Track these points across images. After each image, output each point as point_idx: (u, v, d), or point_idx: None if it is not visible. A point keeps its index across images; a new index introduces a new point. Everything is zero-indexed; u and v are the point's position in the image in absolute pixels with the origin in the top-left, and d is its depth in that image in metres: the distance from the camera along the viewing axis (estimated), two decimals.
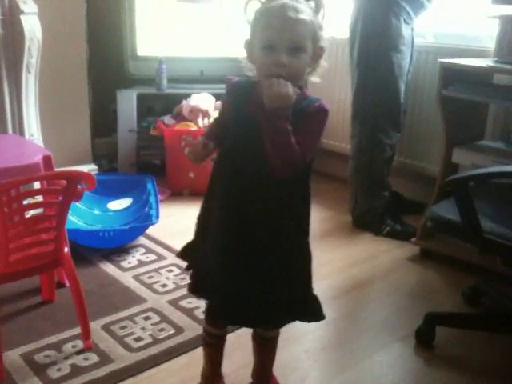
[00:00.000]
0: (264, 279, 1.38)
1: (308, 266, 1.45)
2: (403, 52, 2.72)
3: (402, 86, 2.77)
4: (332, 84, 3.48)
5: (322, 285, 2.28)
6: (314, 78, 1.39)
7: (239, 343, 1.79)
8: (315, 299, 1.48)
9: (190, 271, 1.51)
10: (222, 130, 1.42)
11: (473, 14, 2.94)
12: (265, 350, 1.62)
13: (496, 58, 2.47)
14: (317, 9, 1.32)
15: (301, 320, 1.48)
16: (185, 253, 1.53)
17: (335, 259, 2.58)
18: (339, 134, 3.45)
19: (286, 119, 1.25)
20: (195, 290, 1.49)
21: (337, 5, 3.49)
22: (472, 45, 2.83)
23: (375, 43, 2.70)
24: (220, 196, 1.40)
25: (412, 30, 2.76)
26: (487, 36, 2.76)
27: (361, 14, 2.74)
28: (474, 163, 2.44)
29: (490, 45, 2.63)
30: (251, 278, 1.39)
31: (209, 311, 1.53)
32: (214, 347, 1.60)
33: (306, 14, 1.27)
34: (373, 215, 2.88)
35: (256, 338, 1.61)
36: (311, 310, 1.47)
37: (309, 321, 1.49)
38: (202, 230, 1.46)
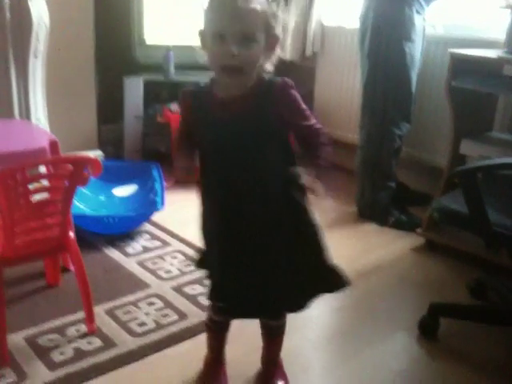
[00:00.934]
0: (273, 266, 1.40)
1: (318, 241, 1.45)
2: (415, 42, 2.69)
3: (414, 77, 2.75)
4: (340, 74, 3.46)
5: None
6: (268, 66, 1.37)
7: (243, 330, 1.79)
8: (332, 268, 1.48)
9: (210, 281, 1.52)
10: (193, 139, 1.41)
11: (483, 4, 2.91)
12: (272, 338, 1.63)
13: (506, 49, 2.44)
14: None
15: (324, 292, 1.49)
16: (201, 263, 1.56)
17: (339, 249, 2.53)
18: (346, 124, 3.43)
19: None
20: (218, 297, 1.50)
21: None
22: (482, 35, 2.80)
23: (387, 33, 2.68)
24: (215, 201, 1.40)
25: (424, 20, 2.74)
26: (498, 27, 2.73)
27: (372, 4, 2.72)
28: (481, 155, 2.42)
29: (501, 35, 2.60)
30: (260, 270, 1.40)
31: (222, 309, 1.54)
32: (216, 333, 1.61)
33: (257, 2, 1.25)
34: (379, 206, 2.87)
35: (263, 327, 1.61)
36: (331, 280, 1.48)
37: (332, 291, 1.49)
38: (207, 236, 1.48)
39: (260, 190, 1.36)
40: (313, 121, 1.37)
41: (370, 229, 2.83)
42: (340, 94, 3.49)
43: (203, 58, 1.35)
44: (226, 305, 1.49)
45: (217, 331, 1.61)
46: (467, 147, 2.50)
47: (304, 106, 1.36)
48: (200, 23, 1.33)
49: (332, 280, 1.47)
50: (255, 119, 1.32)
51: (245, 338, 1.70)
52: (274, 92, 1.33)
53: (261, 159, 1.34)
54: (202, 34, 1.34)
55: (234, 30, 1.24)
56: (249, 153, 1.33)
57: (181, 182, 1.42)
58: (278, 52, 1.36)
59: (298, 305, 1.47)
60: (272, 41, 1.32)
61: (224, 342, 1.63)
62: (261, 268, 1.40)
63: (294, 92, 1.34)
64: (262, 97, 1.32)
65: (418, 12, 2.67)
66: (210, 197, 1.41)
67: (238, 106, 1.33)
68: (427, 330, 1.94)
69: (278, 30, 1.31)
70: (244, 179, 1.35)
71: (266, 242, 1.39)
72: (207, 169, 1.40)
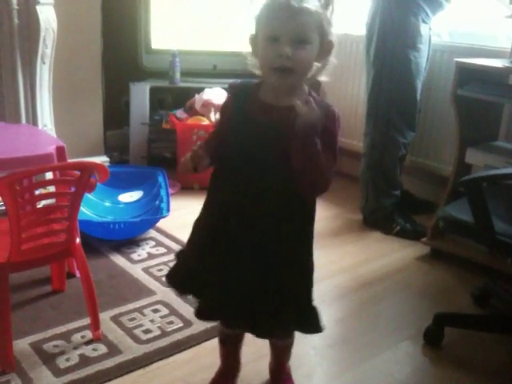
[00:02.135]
0: (267, 289, 1.36)
1: (310, 280, 1.43)
2: (421, 50, 2.71)
3: (419, 85, 2.76)
4: (345, 81, 3.47)
5: (330, 283, 2.27)
6: (323, 77, 1.34)
7: (248, 338, 1.79)
8: (315, 311, 1.45)
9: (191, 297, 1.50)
10: (220, 140, 1.37)
11: (490, 14, 2.92)
12: (279, 352, 1.63)
13: None
14: (326, 4, 1.27)
15: (300, 331, 1.47)
16: (174, 278, 1.51)
17: (344, 257, 2.57)
18: (351, 131, 3.43)
19: (316, 141, 1.24)
20: (205, 315, 1.48)
21: (353, 2, 3.48)
22: (488, 45, 2.81)
23: (393, 41, 2.69)
24: (223, 205, 1.36)
25: (430, 29, 2.75)
26: (504, 36, 2.74)
27: (379, 12, 2.73)
28: (486, 164, 2.43)
29: (507, 45, 2.61)
30: (254, 288, 1.36)
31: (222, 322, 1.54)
32: (228, 346, 1.61)
33: (311, 3, 1.24)
34: (383, 214, 2.87)
35: (271, 343, 1.62)
36: (309, 322, 1.45)
37: (308, 332, 1.47)
38: (202, 248, 1.42)
39: (274, 201, 1.33)
40: (333, 165, 1.31)
41: (375, 237, 2.82)
42: (345, 101, 3.50)
43: (254, 65, 1.33)
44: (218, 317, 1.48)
45: (229, 343, 1.60)
46: (472, 156, 2.51)
47: (337, 148, 1.32)
48: (249, 29, 1.32)
49: (311, 321, 1.44)
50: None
51: (252, 344, 1.69)
52: (327, 120, 1.29)
53: (284, 169, 1.29)
54: (253, 40, 1.32)
55: (288, 29, 1.22)
56: (275, 160, 1.29)
57: (180, 169, 1.33)
58: (333, 61, 1.32)
59: (280, 330, 1.45)
60: (327, 47, 1.29)
61: (237, 354, 1.62)
62: (256, 280, 1.36)
63: (338, 126, 1.32)
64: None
65: (423, 21, 2.68)
66: (217, 201, 1.38)
67: (281, 114, 1.28)
68: (432, 339, 1.94)
69: (333, 37, 1.29)
70: (262, 186, 1.31)
71: (268, 254, 1.35)
72: (225, 171, 1.35)
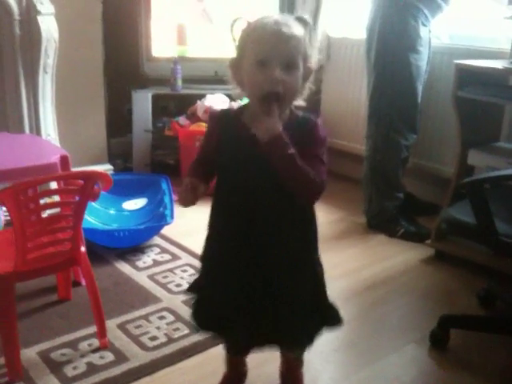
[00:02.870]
0: (278, 300, 1.38)
1: (321, 280, 1.45)
2: (421, 53, 2.72)
3: (420, 87, 2.77)
4: (346, 84, 3.48)
5: (334, 286, 2.24)
6: (299, 100, 1.34)
7: None
8: (332, 306, 1.48)
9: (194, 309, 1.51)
10: (211, 164, 1.38)
11: (489, 15, 2.92)
12: (290, 359, 1.64)
13: None
14: (309, 30, 1.29)
15: (322, 329, 1.48)
16: (192, 289, 1.54)
17: (348, 260, 2.57)
18: (353, 134, 3.44)
19: (284, 147, 1.22)
20: (204, 325, 1.50)
21: (352, 6, 3.51)
22: (488, 46, 2.82)
23: (393, 44, 2.70)
24: (226, 226, 1.38)
25: (429, 31, 2.76)
26: (504, 37, 2.74)
27: (379, 15, 2.74)
28: (489, 165, 2.43)
29: (507, 46, 2.61)
30: (265, 302, 1.37)
31: (228, 346, 1.56)
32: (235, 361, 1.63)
33: (298, 30, 1.25)
34: (387, 216, 2.87)
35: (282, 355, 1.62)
36: (330, 318, 1.48)
37: (331, 328, 1.49)
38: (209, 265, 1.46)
39: (275, 218, 1.34)
40: (321, 169, 1.30)
41: (379, 240, 2.83)
42: (346, 104, 3.51)
43: (234, 90, 1.34)
44: (216, 332, 1.49)
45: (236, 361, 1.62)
46: (474, 157, 2.51)
47: (322, 153, 1.31)
48: (229, 52, 1.31)
49: (330, 316, 1.48)
50: None
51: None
52: (305, 130, 1.30)
53: (278, 187, 1.30)
54: (234, 63, 1.31)
55: (278, 55, 1.22)
56: (268, 180, 1.30)
57: (180, 204, 1.36)
58: (310, 87, 1.33)
59: (299, 340, 1.47)
60: (307, 71, 1.30)
61: (244, 359, 1.63)
62: (265, 295, 1.37)
63: (322, 134, 1.31)
64: (294, 134, 1.26)
65: (423, 24, 2.68)
66: (221, 222, 1.39)
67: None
68: (438, 342, 1.94)
69: (312, 62, 1.30)
70: (260, 205, 1.32)
71: (274, 268, 1.37)
72: (223, 192, 1.37)
